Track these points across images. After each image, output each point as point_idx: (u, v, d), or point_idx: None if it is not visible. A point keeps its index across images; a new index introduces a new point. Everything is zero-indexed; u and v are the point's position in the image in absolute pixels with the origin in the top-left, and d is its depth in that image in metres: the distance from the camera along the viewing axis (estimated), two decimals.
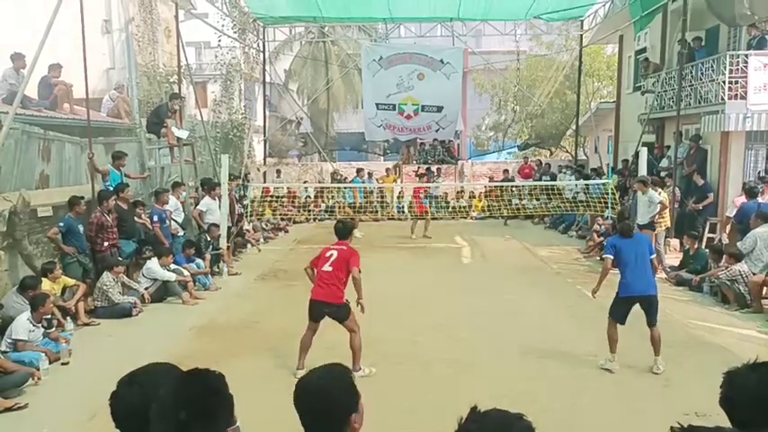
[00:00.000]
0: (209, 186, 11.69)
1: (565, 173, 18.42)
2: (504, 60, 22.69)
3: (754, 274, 8.46)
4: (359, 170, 17.87)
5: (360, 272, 5.93)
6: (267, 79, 21.39)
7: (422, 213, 15.00)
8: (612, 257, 6.16)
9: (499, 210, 15.74)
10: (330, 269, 5.91)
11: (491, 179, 19.46)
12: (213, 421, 1.73)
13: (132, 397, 1.85)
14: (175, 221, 10.66)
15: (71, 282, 7.89)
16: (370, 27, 22.13)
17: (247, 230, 13.50)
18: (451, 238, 14.61)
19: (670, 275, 10.03)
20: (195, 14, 16.67)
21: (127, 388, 1.89)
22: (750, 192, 10.11)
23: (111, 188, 9.49)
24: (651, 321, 6.03)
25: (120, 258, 8.81)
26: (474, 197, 18.76)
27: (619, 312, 6.08)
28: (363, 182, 17.44)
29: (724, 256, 9.07)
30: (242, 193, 14.56)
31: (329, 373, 1.92)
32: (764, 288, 8.39)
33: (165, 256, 9.25)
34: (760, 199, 10.03)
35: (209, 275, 10.27)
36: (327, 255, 6.02)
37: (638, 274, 5.99)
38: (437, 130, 20.06)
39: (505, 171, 18.98)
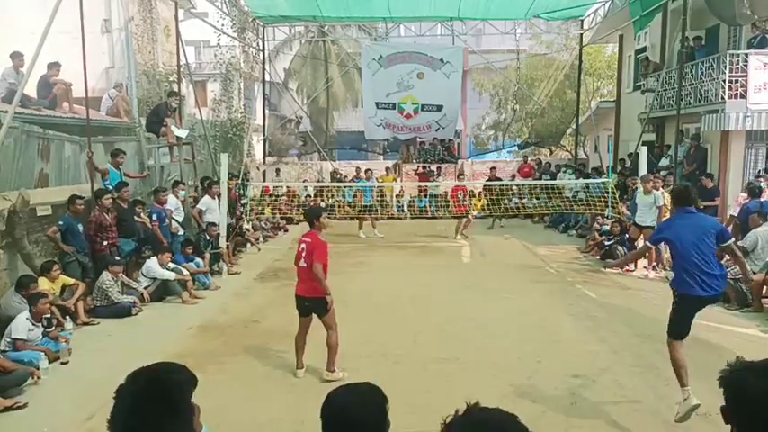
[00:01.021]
0: (207, 185, 11.69)
1: (565, 172, 18.42)
2: (503, 59, 22.69)
3: (753, 273, 8.45)
4: (367, 170, 17.66)
5: (324, 266, 5.75)
6: (267, 78, 21.39)
7: (462, 212, 14.95)
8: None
9: (493, 209, 15.75)
10: (304, 264, 5.86)
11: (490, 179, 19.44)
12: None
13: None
14: (175, 221, 10.65)
15: (70, 281, 7.88)
16: (369, 26, 22.11)
17: (247, 230, 13.49)
18: (451, 238, 14.61)
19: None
20: (195, 13, 16.66)
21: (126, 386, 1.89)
22: (752, 191, 10.09)
23: (111, 187, 9.49)
24: None
25: (118, 257, 8.79)
26: (474, 196, 18.75)
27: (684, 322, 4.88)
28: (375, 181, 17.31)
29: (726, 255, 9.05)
30: (241, 192, 14.56)
31: (364, 398, 1.87)
32: (765, 287, 8.38)
33: (162, 254, 9.24)
34: (763, 198, 10.04)
35: (209, 275, 10.26)
36: (300, 249, 5.95)
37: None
38: (437, 130, 20.06)
39: (492, 169, 18.51)
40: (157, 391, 1.74)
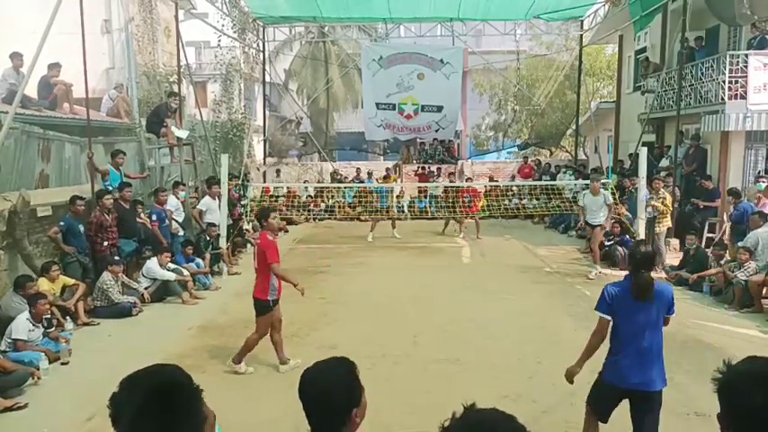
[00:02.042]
0: (207, 185, 11.70)
1: (565, 173, 18.43)
2: (503, 60, 22.70)
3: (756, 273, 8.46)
4: (366, 173, 17.54)
5: (278, 264, 5.96)
6: (267, 79, 21.40)
7: (474, 212, 15.00)
8: (609, 319, 3.83)
9: (493, 209, 15.78)
10: (257, 266, 6.11)
11: (491, 179, 19.47)
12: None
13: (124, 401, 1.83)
14: (176, 221, 10.66)
15: (71, 281, 7.88)
16: (369, 27, 22.13)
17: (247, 230, 13.49)
18: (452, 238, 14.62)
19: (670, 275, 10.03)
20: (195, 14, 16.67)
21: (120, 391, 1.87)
22: (734, 193, 10.39)
23: (111, 188, 9.49)
24: None
25: (118, 258, 8.79)
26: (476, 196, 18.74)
27: (601, 401, 3.97)
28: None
29: (729, 254, 9.09)
30: (242, 192, 14.56)
31: (332, 368, 1.95)
32: (764, 288, 8.39)
33: (161, 254, 9.25)
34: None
35: (209, 275, 10.27)
36: (255, 250, 6.23)
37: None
38: (437, 130, 20.07)
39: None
40: (167, 403, 1.67)
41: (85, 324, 7.74)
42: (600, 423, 3.98)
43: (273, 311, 6.05)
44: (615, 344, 3.83)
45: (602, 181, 11.31)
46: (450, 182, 17.95)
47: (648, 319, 3.71)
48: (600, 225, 10.54)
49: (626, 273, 3.87)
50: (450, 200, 15.61)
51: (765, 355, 1.70)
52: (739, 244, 9.21)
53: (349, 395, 1.90)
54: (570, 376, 3.99)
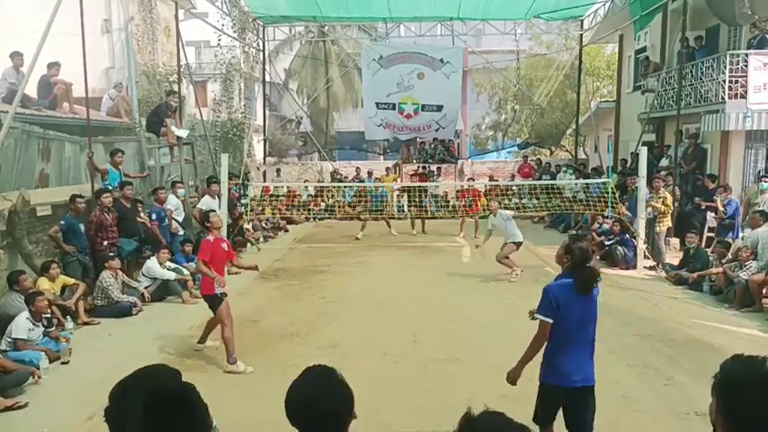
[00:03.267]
0: (207, 184, 11.70)
1: (565, 172, 18.42)
2: (503, 60, 22.69)
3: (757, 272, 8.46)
4: (366, 172, 17.53)
5: (203, 262, 6.16)
6: (267, 78, 21.40)
7: (473, 212, 14.99)
8: (551, 321, 3.71)
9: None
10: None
11: (491, 178, 19.47)
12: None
13: (126, 410, 1.83)
14: (176, 221, 10.66)
15: (71, 281, 7.88)
16: (369, 26, 22.12)
17: (247, 229, 13.50)
18: (452, 238, 14.61)
19: (670, 275, 10.04)
20: (195, 14, 16.66)
21: (120, 402, 1.88)
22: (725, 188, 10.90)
23: (111, 187, 9.49)
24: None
25: (113, 254, 8.76)
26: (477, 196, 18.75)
27: (549, 408, 3.87)
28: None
29: (731, 253, 9.08)
30: (242, 192, 14.56)
31: (323, 385, 1.89)
32: (765, 287, 8.39)
33: (159, 252, 9.25)
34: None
35: None
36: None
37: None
38: (437, 130, 20.06)
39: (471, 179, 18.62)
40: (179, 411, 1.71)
41: (86, 323, 7.75)
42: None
43: (225, 302, 6.24)
44: (557, 343, 3.72)
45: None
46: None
47: (591, 312, 3.76)
48: (518, 243, 10.10)
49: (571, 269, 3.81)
50: (451, 201, 15.67)
51: (756, 355, 1.71)
52: (740, 244, 9.21)
53: (344, 413, 1.87)
54: (513, 380, 3.88)
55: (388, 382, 5.64)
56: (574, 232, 14.82)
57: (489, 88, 26.23)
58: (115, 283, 8.37)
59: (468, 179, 18.42)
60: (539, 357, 3.84)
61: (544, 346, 3.78)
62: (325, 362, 2.04)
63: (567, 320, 3.68)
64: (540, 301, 3.78)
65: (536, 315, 3.79)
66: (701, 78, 12.67)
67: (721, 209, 10.82)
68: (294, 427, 1.84)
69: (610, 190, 12.44)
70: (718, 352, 6.41)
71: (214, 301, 6.20)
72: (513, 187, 18.05)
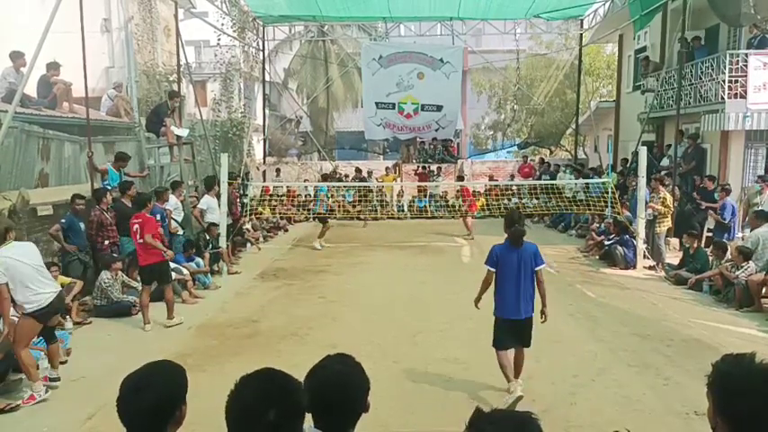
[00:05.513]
0: (207, 184, 11.69)
1: (565, 172, 18.43)
2: (503, 59, 22.71)
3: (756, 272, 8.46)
4: (366, 172, 17.49)
5: (154, 236, 7.44)
6: (267, 78, 21.40)
7: (473, 212, 15.00)
8: (494, 271, 5.25)
9: (492, 209, 15.76)
10: (141, 241, 7.39)
11: (491, 178, 19.47)
12: (302, 418, 1.79)
13: (143, 401, 1.89)
14: (175, 220, 10.65)
15: (68, 280, 7.87)
16: (369, 26, 22.13)
17: (247, 229, 13.49)
18: (451, 238, 14.61)
19: (670, 275, 10.04)
20: (195, 13, 16.65)
21: (134, 394, 1.91)
22: (724, 189, 10.94)
23: (111, 187, 9.48)
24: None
25: (116, 255, 8.77)
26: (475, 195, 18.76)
27: (501, 334, 5.30)
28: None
29: (731, 254, 9.08)
30: (241, 191, 14.55)
31: (348, 373, 1.97)
32: (764, 287, 8.39)
33: None
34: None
35: (209, 274, 10.26)
36: (134, 230, 7.43)
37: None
38: (437, 130, 20.08)
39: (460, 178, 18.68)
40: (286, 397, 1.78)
41: (77, 323, 7.62)
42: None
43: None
44: (499, 286, 5.21)
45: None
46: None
47: (521, 262, 5.11)
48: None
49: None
50: (452, 201, 15.67)
51: (745, 352, 1.72)
52: (739, 243, 9.22)
53: (362, 401, 1.95)
54: (475, 304, 5.54)
55: (388, 383, 5.63)
56: (573, 232, 14.86)
57: (489, 88, 26.25)
58: (115, 283, 8.37)
59: (458, 177, 18.40)
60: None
61: (494, 290, 5.26)
62: (315, 357, 2.06)
63: (505, 268, 5.16)
64: (487, 256, 5.35)
65: (484, 264, 5.33)
66: (700, 78, 12.67)
67: (715, 216, 10.84)
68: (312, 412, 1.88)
69: (609, 190, 12.45)
70: (718, 352, 6.40)
71: (166, 265, 7.59)
72: (513, 187, 18.06)
